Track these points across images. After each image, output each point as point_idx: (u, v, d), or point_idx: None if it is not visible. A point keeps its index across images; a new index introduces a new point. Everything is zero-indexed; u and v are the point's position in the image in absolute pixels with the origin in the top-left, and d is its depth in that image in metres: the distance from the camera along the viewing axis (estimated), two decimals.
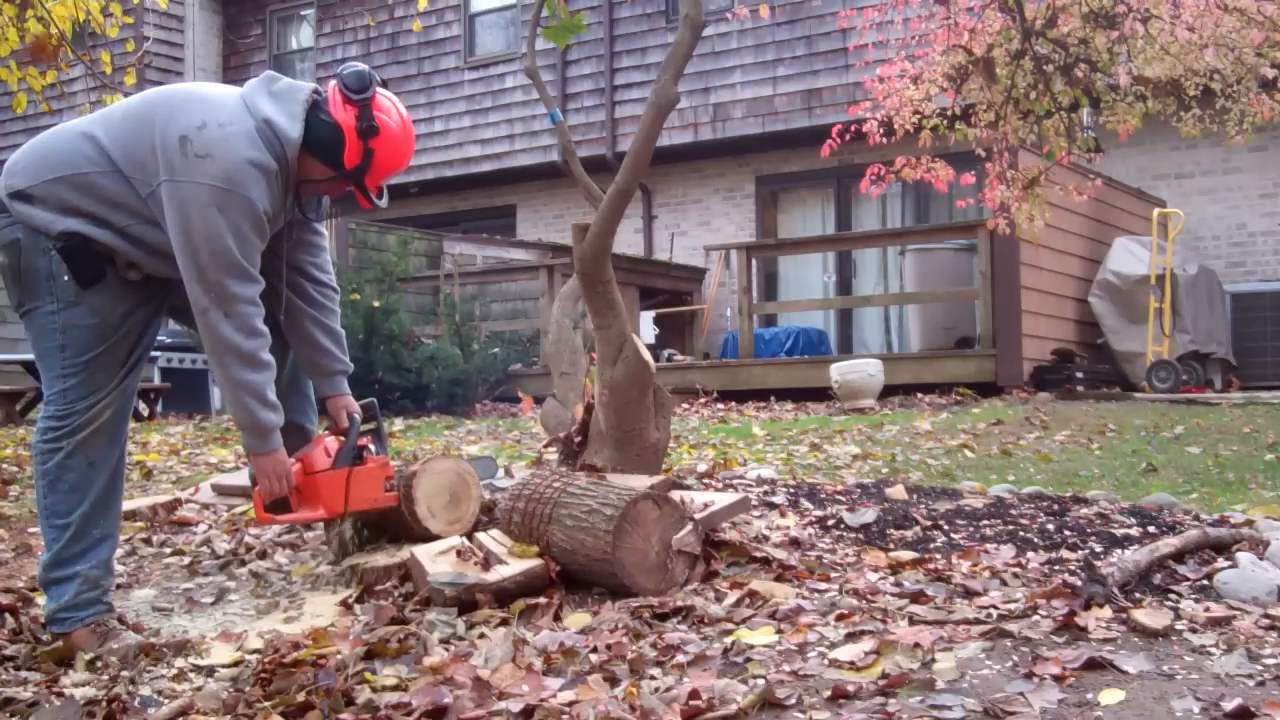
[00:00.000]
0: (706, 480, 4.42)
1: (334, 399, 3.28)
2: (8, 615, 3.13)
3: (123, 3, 9.05)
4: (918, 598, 2.80)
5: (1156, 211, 10.79)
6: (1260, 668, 2.25)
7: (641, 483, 3.28)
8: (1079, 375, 10.23)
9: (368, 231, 12.81)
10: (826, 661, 2.40)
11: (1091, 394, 9.68)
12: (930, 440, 6.80)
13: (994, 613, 2.66)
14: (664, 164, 14.13)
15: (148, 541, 4.11)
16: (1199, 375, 10.51)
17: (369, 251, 12.61)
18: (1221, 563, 2.94)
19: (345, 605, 3.16)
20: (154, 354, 8.60)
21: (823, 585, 2.99)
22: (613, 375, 3.58)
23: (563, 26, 3.96)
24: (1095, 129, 7.64)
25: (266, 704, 2.43)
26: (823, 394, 9.69)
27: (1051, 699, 2.12)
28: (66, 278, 2.89)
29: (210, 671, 2.77)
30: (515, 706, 2.24)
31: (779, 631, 2.63)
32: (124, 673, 2.74)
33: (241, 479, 4.58)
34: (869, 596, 2.86)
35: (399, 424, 8.74)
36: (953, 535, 3.48)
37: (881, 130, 7.10)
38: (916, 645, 2.39)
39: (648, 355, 3.60)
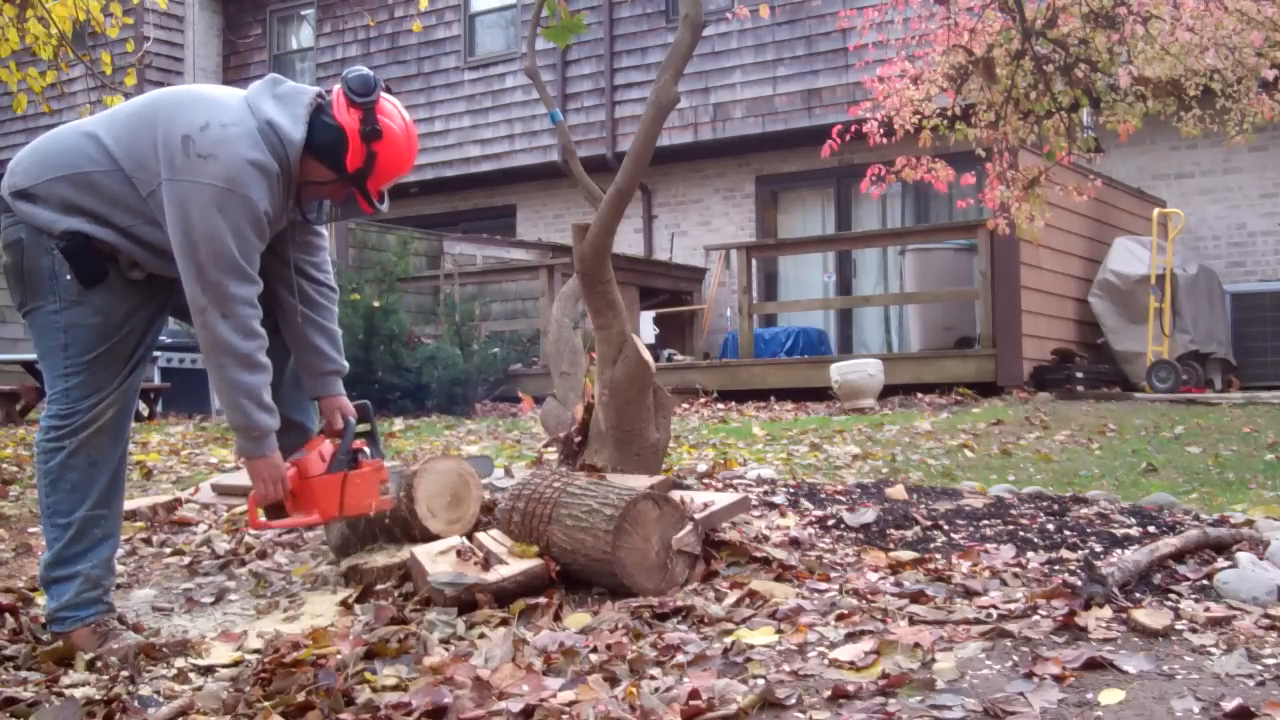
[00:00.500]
0: (706, 480, 4.42)
1: (328, 400, 3.27)
2: (8, 615, 3.13)
3: (123, 3, 9.06)
4: (918, 598, 2.80)
5: (1156, 211, 10.79)
6: (1260, 668, 2.25)
7: (641, 483, 3.28)
8: (1079, 375, 10.23)
9: (368, 231, 12.82)
10: (826, 661, 2.40)
11: (1091, 394, 9.68)
12: (930, 440, 6.80)
13: (994, 613, 2.66)
14: (664, 164, 14.13)
15: (148, 541, 4.11)
16: (1199, 375, 10.50)
17: (369, 251, 12.61)
18: (1221, 563, 2.94)
19: (345, 605, 3.17)
20: (154, 354, 8.60)
21: (823, 585, 2.99)
22: (613, 375, 3.58)
23: (563, 26, 3.96)
24: (1095, 129, 7.64)
25: (266, 704, 2.43)
26: (823, 394, 9.69)
27: (1051, 699, 2.12)
28: (69, 277, 2.89)
29: (210, 671, 2.78)
30: (515, 706, 2.25)
31: (779, 631, 2.63)
32: (124, 673, 2.74)
33: (242, 479, 4.58)
34: (869, 596, 2.86)
35: (399, 424, 8.74)
36: (953, 535, 3.49)
37: (881, 130, 7.10)
38: (916, 645, 2.39)
39: (648, 355, 3.61)
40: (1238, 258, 12.18)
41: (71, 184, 2.89)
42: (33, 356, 3.10)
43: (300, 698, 2.42)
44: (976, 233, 9.94)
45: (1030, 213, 7.03)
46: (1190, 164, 12.31)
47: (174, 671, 2.77)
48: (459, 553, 3.11)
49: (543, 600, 2.97)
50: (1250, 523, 3.46)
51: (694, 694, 2.21)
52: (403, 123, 3.01)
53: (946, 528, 3.56)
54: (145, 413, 9.76)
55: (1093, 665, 2.27)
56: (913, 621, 2.62)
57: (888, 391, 9.58)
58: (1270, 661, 2.29)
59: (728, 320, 13.66)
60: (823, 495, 4.12)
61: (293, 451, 3.12)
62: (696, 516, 3.17)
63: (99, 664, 2.80)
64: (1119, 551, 3.20)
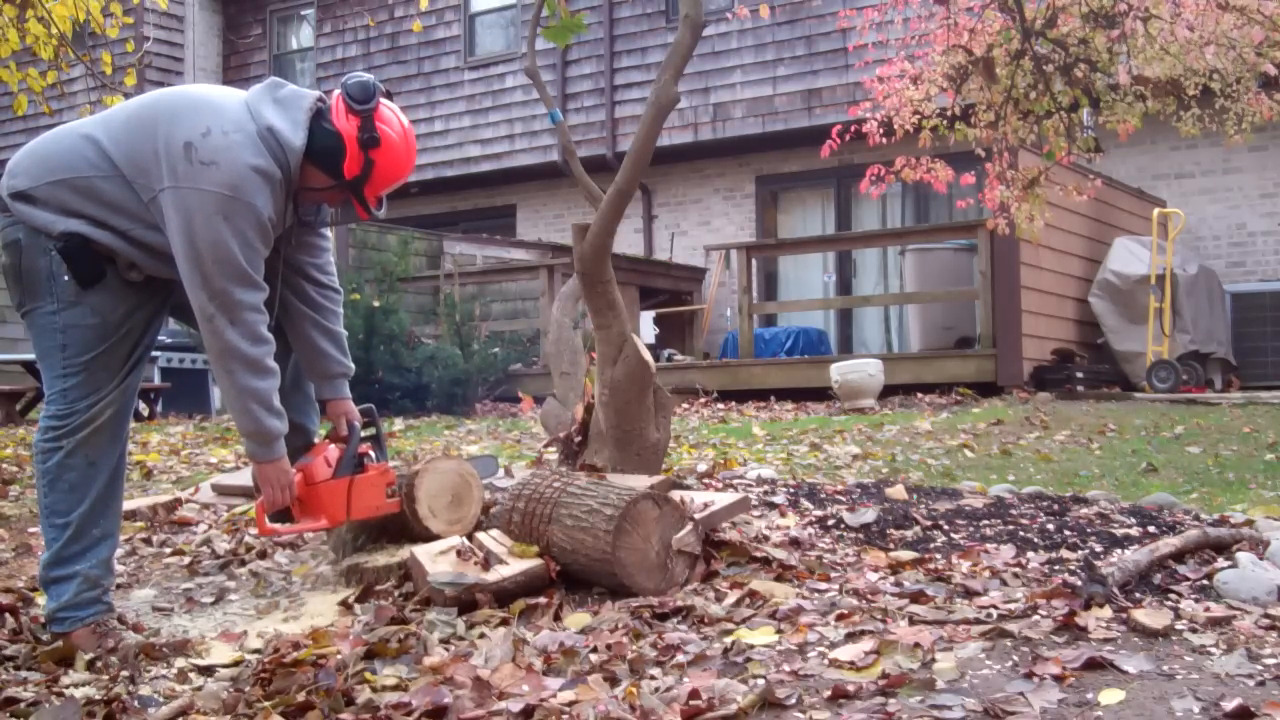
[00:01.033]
0: (706, 480, 4.42)
1: (334, 403, 3.28)
2: (8, 615, 3.13)
3: (123, 3, 9.06)
4: (918, 598, 2.80)
5: (1156, 211, 10.79)
6: (1260, 668, 2.25)
7: (641, 483, 3.28)
8: (1079, 375, 10.23)
9: (368, 231, 12.82)
10: (826, 661, 2.40)
11: (1091, 394, 9.68)
12: (930, 440, 6.80)
13: (994, 613, 2.66)
14: (664, 164, 14.12)
15: (148, 541, 4.11)
16: (1199, 375, 10.50)
17: (369, 251, 12.62)
18: (1221, 563, 2.94)
19: (345, 605, 3.17)
20: (154, 354, 8.61)
21: (823, 585, 2.99)
22: (613, 375, 3.58)
23: (563, 26, 3.96)
24: (1095, 129, 7.64)
25: (266, 704, 2.43)
26: (823, 394, 9.69)
27: (1051, 699, 2.12)
28: (67, 278, 2.89)
29: (210, 671, 2.77)
30: (515, 706, 2.24)
31: (779, 631, 2.63)
32: (124, 673, 2.74)
33: (242, 479, 4.59)
34: (869, 596, 2.86)
35: (399, 424, 8.74)
36: (953, 535, 3.49)
37: (881, 130, 7.10)
38: (916, 645, 2.39)
39: (648, 355, 3.60)
40: (1238, 258, 12.18)
41: (71, 187, 2.89)
42: (32, 356, 3.10)
43: (300, 698, 2.42)
44: (976, 233, 9.94)
45: (1030, 212, 7.03)
46: (1190, 164, 12.31)
47: (174, 671, 2.77)
48: (459, 553, 3.11)
49: (543, 600, 2.97)
50: (1250, 523, 3.46)
51: (694, 694, 2.21)
52: (401, 130, 3.00)
53: (946, 528, 3.56)
54: (145, 413, 9.77)
55: (1093, 665, 2.27)
56: (913, 621, 2.62)
57: (888, 391, 9.58)
58: (1270, 661, 2.29)
59: (728, 320, 13.66)
60: (823, 495, 4.12)
61: (293, 450, 3.12)
62: (696, 516, 3.17)
63: (99, 664, 2.80)
64: (1119, 551, 3.20)
